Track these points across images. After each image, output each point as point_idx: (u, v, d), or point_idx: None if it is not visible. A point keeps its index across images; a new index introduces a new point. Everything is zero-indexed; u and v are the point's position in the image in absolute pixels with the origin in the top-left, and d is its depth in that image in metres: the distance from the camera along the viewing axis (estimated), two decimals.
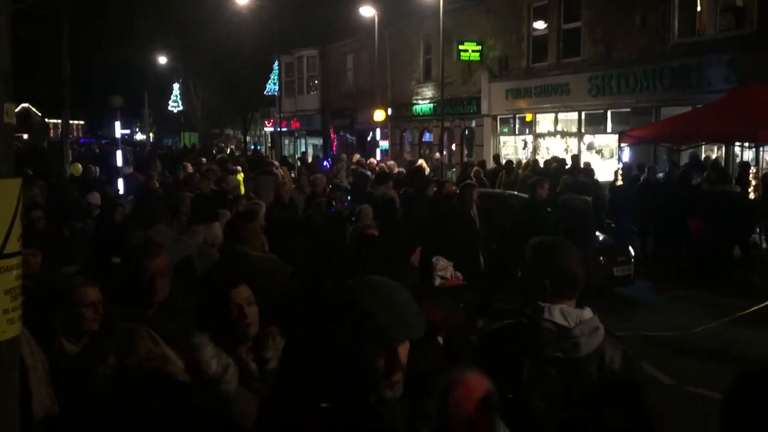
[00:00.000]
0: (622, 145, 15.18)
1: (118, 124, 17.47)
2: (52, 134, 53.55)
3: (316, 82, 36.61)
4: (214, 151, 35.79)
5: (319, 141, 37.25)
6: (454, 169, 24.65)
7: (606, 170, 17.04)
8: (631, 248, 11.48)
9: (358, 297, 2.03)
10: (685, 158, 16.11)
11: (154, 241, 3.82)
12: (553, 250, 2.88)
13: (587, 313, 2.76)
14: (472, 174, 14.93)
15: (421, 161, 20.77)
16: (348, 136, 34.83)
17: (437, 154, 24.41)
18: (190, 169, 15.90)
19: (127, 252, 3.50)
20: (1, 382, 1.72)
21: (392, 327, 1.99)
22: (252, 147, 44.32)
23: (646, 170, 14.65)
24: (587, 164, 16.71)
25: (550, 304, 2.75)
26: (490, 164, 19.91)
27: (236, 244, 5.15)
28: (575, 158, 17.47)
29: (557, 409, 2.64)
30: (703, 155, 16.48)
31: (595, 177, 15.32)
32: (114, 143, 18.55)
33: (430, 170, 18.89)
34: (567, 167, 16.90)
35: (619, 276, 10.87)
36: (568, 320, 2.71)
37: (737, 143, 14.65)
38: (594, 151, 20.22)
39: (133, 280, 3.18)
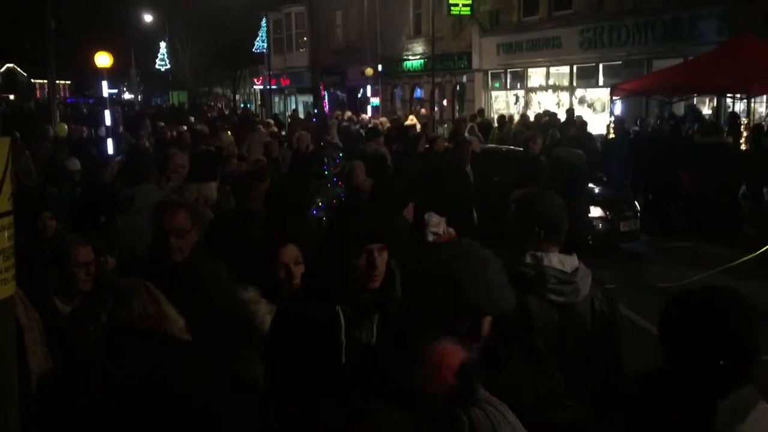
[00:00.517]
0: (614, 98, 15.11)
1: (105, 83, 17.18)
2: (38, 95, 52.84)
3: (305, 38, 36.11)
4: (205, 109, 35.42)
5: (309, 98, 36.91)
6: (445, 125, 24.53)
7: (598, 124, 16.99)
8: (636, 202, 11.20)
9: (450, 267, 1.98)
10: (677, 111, 16.07)
11: (172, 200, 3.87)
12: (541, 200, 2.99)
13: (576, 259, 2.93)
14: (467, 130, 14.81)
15: (411, 117, 20.67)
16: (338, 92, 34.53)
17: (422, 110, 24.28)
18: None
19: (154, 210, 3.67)
20: None
21: (484, 300, 1.95)
22: (242, 105, 43.89)
23: (638, 123, 14.62)
24: (579, 117, 16.64)
25: (544, 252, 2.88)
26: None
27: (246, 203, 5.18)
28: (570, 112, 17.34)
29: (554, 348, 2.81)
30: (696, 106, 16.45)
31: (587, 131, 15.27)
32: (102, 103, 18.30)
33: (423, 125, 18.74)
34: (560, 121, 16.82)
35: (625, 231, 10.61)
36: (566, 266, 2.87)
37: (729, 95, 14.60)
38: (586, 104, 20.13)
39: (153, 236, 3.42)
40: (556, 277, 2.82)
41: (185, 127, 17.14)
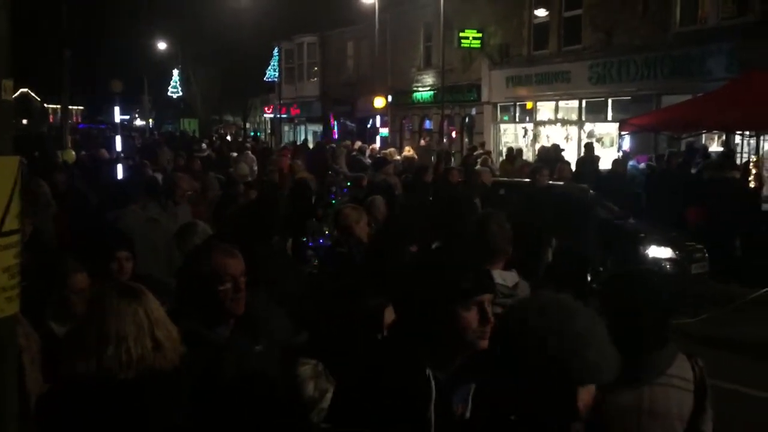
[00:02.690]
0: (623, 133, 15.12)
1: (117, 109, 17.41)
2: (51, 119, 53.39)
3: (316, 68, 36.47)
4: (213, 138, 35.67)
5: (319, 128, 37.15)
6: (452, 157, 24.59)
7: (606, 158, 16.98)
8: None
9: (530, 324, 1.63)
10: (684, 147, 16.07)
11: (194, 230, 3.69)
12: (482, 221, 3.51)
13: (515, 275, 3.38)
14: (479, 161, 14.84)
15: (408, 149, 20.88)
16: (348, 123, 34.74)
17: (422, 141, 24.49)
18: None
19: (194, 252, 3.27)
20: (2, 360, 1.72)
21: (577, 365, 1.54)
22: (251, 134, 44.18)
23: (651, 159, 14.53)
24: (588, 149, 16.54)
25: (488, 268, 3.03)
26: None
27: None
28: (588, 147, 16.93)
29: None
30: (704, 144, 16.44)
31: (597, 165, 15.23)
32: (113, 128, 18.48)
33: (420, 156, 18.88)
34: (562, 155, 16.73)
35: (696, 274, 9.69)
36: (507, 281, 3.26)
37: (738, 132, 14.60)
38: (594, 139, 20.16)
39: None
40: (501, 291, 3.07)
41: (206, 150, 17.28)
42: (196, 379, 2.47)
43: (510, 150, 18.93)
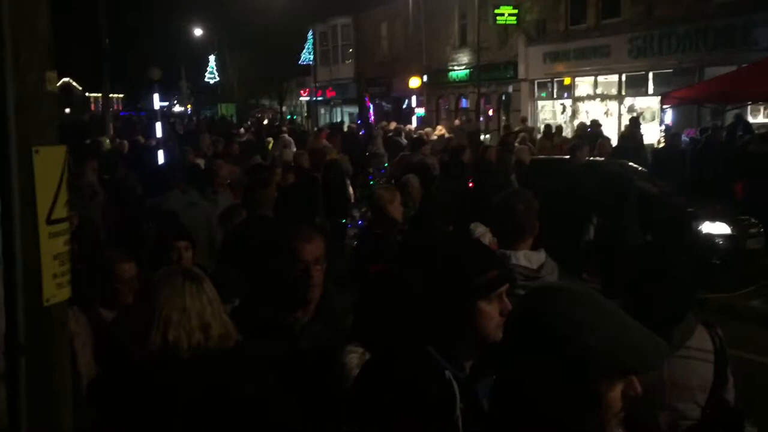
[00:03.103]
0: (665, 107, 14.81)
1: (156, 96, 17.62)
2: (93, 108, 54.38)
3: (350, 50, 36.40)
4: (249, 123, 35.91)
5: (354, 109, 37.13)
6: (488, 135, 24.41)
7: (648, 133, 16.66)
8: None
9: (573, 318, 1.42)
10: (729, 119, 15.68)
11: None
12: (507, 200, 3.36)
13: (543, 254, 3.19)
14: (518, 140, 14.68)
15: (440, 127, 20.74)
16: (384, 104, 34.66)
17: (456, 120, 24.29)
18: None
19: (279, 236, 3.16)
20: (54, 344, 1.77)
21: (625, 354, 1.39)
22: (288, 117, 44.41)
23: (697, 132, 14.17)
24: (630, 126, 16.24)
25: (512, 250, 3.15)
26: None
27: (255, 209, 5.29)
28: (634, 121, 16.33)
29: None
30: (749, 116, 16.01)
31: (640, 141, 14.89)
32: (153, 115, 18.73)
33: (456, 136, 18.74)
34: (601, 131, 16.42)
35: (752, 249, 9.32)
36: (532, 263, 3.12)
37: None
38: (635, 113, 19.78)
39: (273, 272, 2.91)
40: (522, 274, 2.99)
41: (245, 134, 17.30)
42: (271, 365, 2.46)
43: (548, 127, 18.67)
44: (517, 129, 18.36)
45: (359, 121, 29.16)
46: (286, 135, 19.41)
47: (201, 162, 10.49)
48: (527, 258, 3.13)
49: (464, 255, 2.00)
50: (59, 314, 1.82)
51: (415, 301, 1.99)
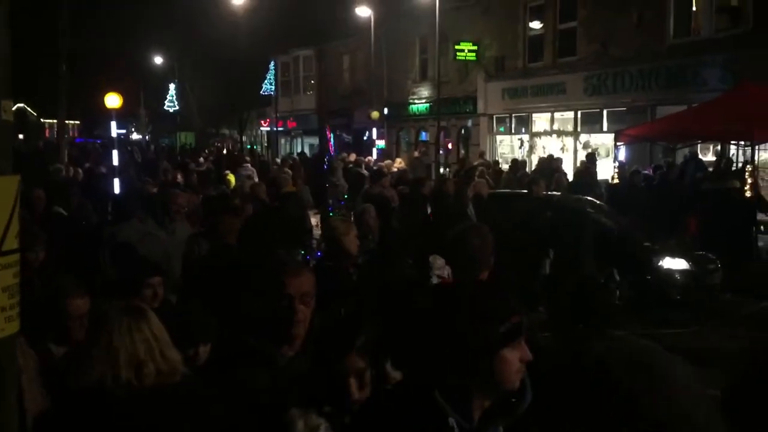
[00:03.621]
0: (618, 144, 15.18)
1: (114, 123, 17.39)
2: (47, 134, 53.37)
3: (312, 81, 36.57)
4: (206, 152, 35.66)
5: (315, 140, 37.20)
6: (448, 169, 24.66)
7: (602, 169, 17.03)
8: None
9: (614, 374, 1.41)
10: (680, 157, 16.12)
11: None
12: (462, 234, 3.44)
13: None
14: (476, 174, 14.85)
15: (399, 160, 20.99)
16: (344, 135, 34.80)
17: (415, 153, 24.54)
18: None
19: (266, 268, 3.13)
20: (2, 378, 1.72)
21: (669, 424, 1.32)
22: (248, 147, 44.22)
23: (649, 169, 14.47)
24: (584, 162, 16.62)
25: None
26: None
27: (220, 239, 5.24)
28: (590, 157, 16.83)
29: None
30: (699, 154, 16.49)
31: (594, 177, 15.21)
32: (110, 143, 18.47)
33: (414, 168, 19.01)
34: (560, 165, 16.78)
35: (711, 284, 9.49)
36: None
37: (733, 142, 14.66)
38: (590, 149, 20.24)
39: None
40: None
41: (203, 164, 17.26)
42: (249, 397, 2.39)
43: (514, 161, 19.00)
44: (476, 163, 18.59)
45: (319, 153, 29.20)
46: (249, 165, 19.37)
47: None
48: None
49: (489, 300, 1.89)
50: (7, 348, 1.77)
51: (429, 343, 1.87)
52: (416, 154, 24.57)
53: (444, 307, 1.88)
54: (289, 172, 14.19)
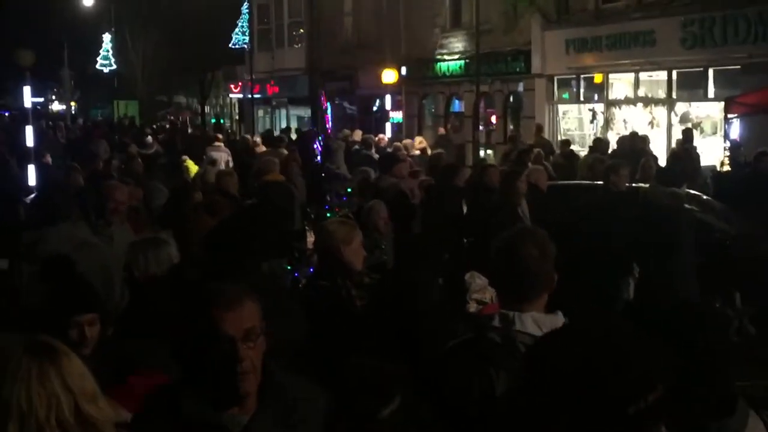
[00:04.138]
0: (730, 116, 15.13)
1: (27, 89, 17.51)
2: None
3: (301, 30, 36.62)
4: (155, 128, 35.89)
5: (306, 112, 37.24)
6: (490, 151, 24.63)
7: (707, 152, 16.98)
8: None
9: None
10: None
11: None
12: (513, 242, 3.38)
13: (560, 318, 3.15)
14: (532, 158, 14.84)
15: (420, 139, 20.98)
16: (347, 105, 34.84)
17: (441, 129, 24.59)
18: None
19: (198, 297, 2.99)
20: None
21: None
22: (212, 121, 44.42)
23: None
24: (680, 142, 16.56)
25: (518, 312, 3.16)
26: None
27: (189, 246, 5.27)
28: (687, 134, 16.90)
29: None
30: None
31: (696, 161, 15.18)
32: (23, 116, 18.60)
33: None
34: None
35: None
36: (544, 330, 3.00)
37: None
38: (690, 124, 20.13)
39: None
40: (528, 345, 2.86)
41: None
42: None
43: (565, 142, 18.93)
44: (530, 143, 18.58)
45: (312, 128, 29.27)
46: (222, 145, 19.46)
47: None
48: (537, 323, 3.11)
49: (613, 362, 1.75)
50: None
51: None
52: (441, 131, 24.51)
53: (578, 361, 1.77)
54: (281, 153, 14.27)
